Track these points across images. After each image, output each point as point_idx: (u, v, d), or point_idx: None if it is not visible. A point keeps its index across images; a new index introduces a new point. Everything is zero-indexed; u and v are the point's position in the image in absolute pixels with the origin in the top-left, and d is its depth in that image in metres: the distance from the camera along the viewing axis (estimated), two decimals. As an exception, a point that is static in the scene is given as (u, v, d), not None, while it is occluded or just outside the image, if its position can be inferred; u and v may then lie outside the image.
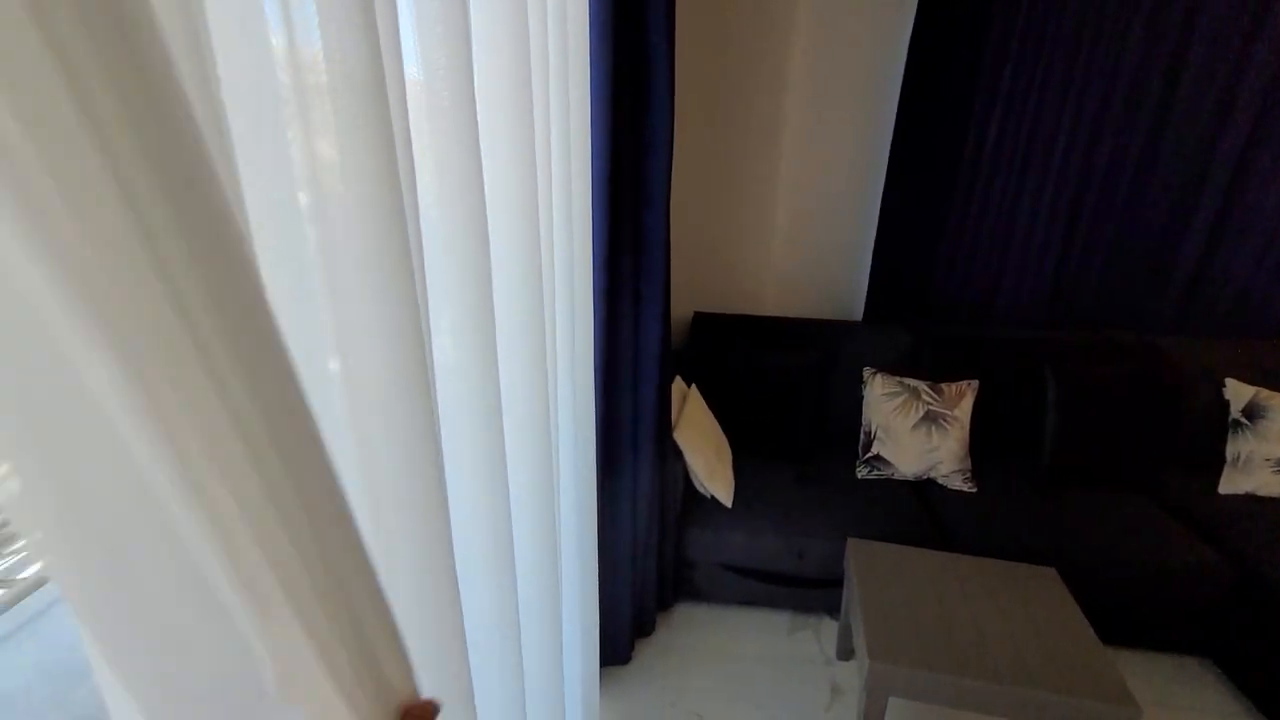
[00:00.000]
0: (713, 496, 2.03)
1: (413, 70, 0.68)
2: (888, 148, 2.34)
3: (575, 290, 1.23)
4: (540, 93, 0.97)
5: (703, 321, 2.53)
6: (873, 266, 2.49)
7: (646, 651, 1.96)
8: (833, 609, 2.06)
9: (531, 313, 1.00)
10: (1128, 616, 1.89)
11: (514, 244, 0.94)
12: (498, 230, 0.87)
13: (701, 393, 2.24)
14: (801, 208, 2.54)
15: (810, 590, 2.03)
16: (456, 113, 0.72)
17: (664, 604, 2.07)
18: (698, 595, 2.11)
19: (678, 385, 2.12)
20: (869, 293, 2.53)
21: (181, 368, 0.26)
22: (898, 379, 2.23)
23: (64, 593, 0.31)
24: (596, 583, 1.53)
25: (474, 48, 0.73)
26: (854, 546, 1.81)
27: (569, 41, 1.08)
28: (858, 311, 2.62)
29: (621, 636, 1.84)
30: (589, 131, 1.25)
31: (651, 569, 1.89)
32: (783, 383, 2.35)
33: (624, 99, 1.33)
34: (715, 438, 2.18)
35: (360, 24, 0.49)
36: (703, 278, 2.64)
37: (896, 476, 2.20)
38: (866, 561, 1.74)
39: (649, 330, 1.65)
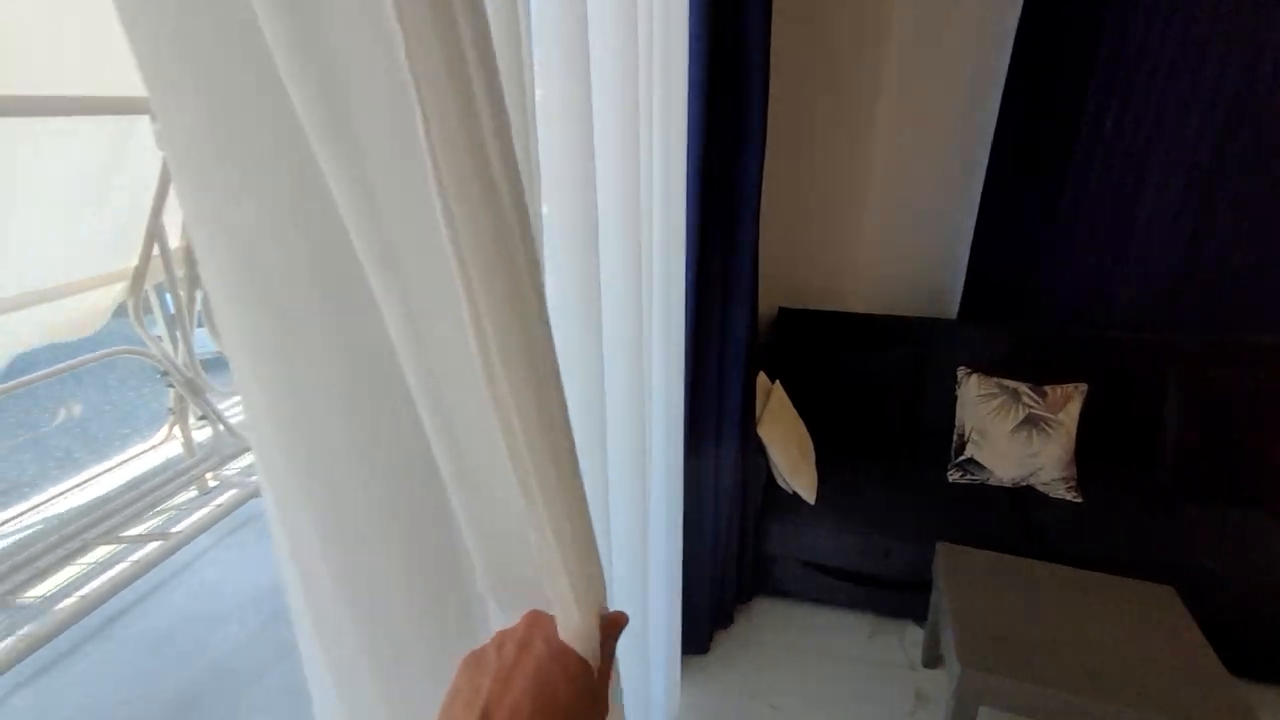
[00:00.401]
0: (795, 492, 2.02)
1: (537, 74, 0.73)
2: (990, 135, 2.23)
3: (670, 283, 1.27)
4: (645, 91, 1.01)
5: (788, 318, 2.51)
6: (970, 261, 2.38)
7: (725, 643, 1.98)
8: (918, 615, 2.00)
9: (631, 306, 1.04)
10: (1259, 646, 1.72)
11: (618, 238, 0.99)
12: (605, 225, 0.92)
13: (785, 389, 2.23)
14: (894, 201, 2.47)
15: (894, 593, 1.98)
16: (574, 112, 0.77)
17: (743, 597, 2.08)
18: (777, 590, 2.11)
19: (761, 381, 2.12)
20: (965, 289, 2.43)
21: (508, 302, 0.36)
22: (995, 380, 2.12)
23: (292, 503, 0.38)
24: (680, 569, 1.56)
25: (590, 45, 0.77)
26: (943, 551, 1.75)
27: (671, 40, 1.11)
28: (952, 309, 2.51)
29: (701, 626, 1.87)
30: (686, 126, 1.28)
31: (732, 561, 1.91)
32: (870, 381, 2.29)
33: (719, 95, 1.35)
34: (798, 434, 2.17)
35: (507, 38, 0.54)
36: (788, 273, 2.61)
37: (991, 482, 2.10)
38: (957, 567, 1.69)
39: (736, 325, 1.67)
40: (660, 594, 1.45)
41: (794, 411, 2.22)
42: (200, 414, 2.61)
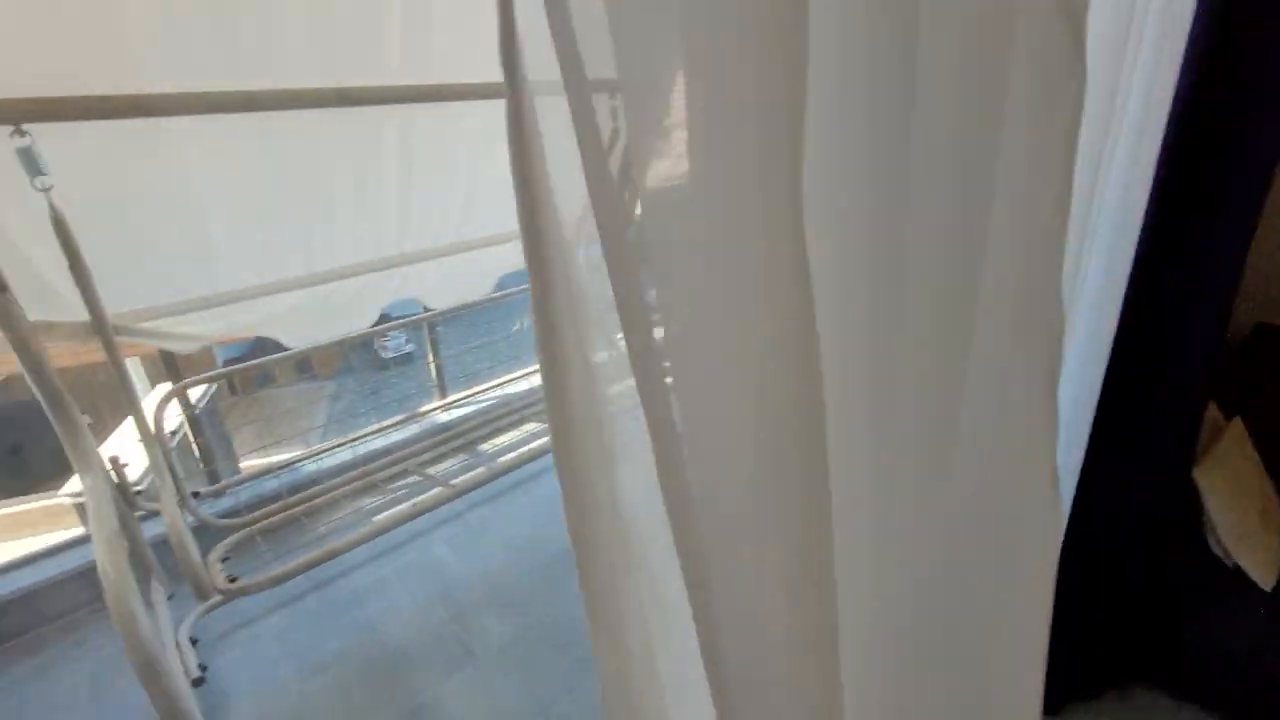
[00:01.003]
0: (1239, 566, 1.51)
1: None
2: None
3: (1110, 279, 1.05)
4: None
5: (1270, 337, 1.83)
6: None
7: (1081, 714, 1.62)
8: None
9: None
10: None
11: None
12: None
13: (1249, 431, 1.65)
14: None
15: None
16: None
17: (1124, 677, 1.65)
18: (1181, 689, 1.61)
19: (1210, 414, 1.62)
20: None
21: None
22: None
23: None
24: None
25: None
26: None
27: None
28: None
29: (1055, 680, 1.56)
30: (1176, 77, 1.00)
31: (1113, 621, 1.54)
32: None
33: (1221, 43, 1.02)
34: (1258, 490, 1.60)
35: None
36: (1272, 278, 1.87)
37: None
38: None
39: (1193, 333, 1.29)
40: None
41: (1257, 462, 1.64)
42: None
